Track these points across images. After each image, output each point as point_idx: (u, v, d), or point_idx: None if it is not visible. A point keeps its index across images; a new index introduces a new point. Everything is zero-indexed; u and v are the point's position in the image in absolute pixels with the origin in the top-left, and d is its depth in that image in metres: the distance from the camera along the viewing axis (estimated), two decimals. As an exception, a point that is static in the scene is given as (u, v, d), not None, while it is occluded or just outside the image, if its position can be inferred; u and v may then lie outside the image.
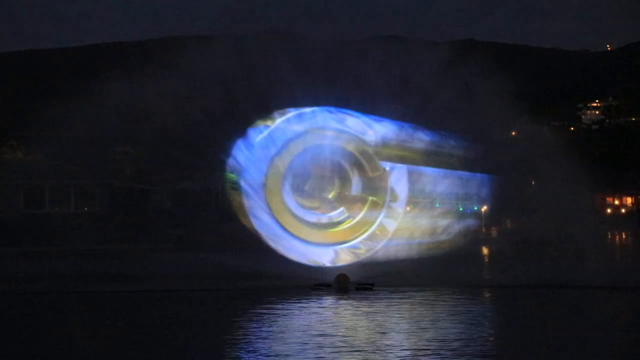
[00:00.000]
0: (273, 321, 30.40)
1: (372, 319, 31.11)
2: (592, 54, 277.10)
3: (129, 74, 52.25)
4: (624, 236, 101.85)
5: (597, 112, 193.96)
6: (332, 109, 43.55)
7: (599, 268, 48.24)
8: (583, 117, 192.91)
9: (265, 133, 42.75)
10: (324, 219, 43.44)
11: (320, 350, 23.94)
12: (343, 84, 46.48)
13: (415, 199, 45.18)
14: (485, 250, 75.42)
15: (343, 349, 24.25)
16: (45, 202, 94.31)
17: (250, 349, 24.59)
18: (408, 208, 45.02)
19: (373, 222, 43.03)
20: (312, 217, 43.21)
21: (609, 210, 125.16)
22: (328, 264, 43.03)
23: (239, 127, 43.77)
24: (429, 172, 45.56)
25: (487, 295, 40.36)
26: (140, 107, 50.64)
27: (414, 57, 48.87)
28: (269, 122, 43.06)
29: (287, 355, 23.30)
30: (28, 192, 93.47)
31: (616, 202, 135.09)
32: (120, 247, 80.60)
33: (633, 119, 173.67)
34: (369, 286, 41.32)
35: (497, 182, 49.82)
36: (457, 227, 47.54)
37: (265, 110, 43.88)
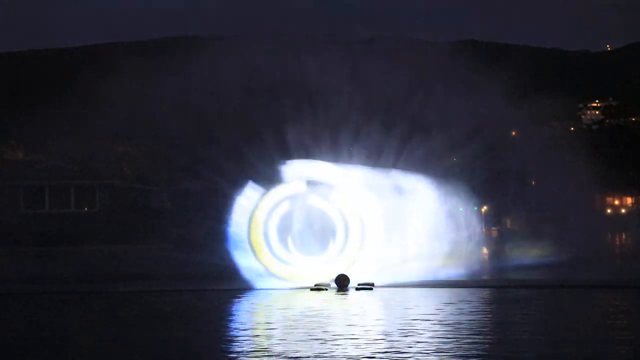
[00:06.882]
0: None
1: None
2: (592, 54, 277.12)
3: (129, 74, 52.21)
4: (624, 236, 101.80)
5: (597, 112, 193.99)
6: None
7: (600, 268, 48.18)
8: (583, 117, 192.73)
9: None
10: None
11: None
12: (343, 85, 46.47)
13: None
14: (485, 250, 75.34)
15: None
16: (45, 202, 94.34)
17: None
18: None
19: None
20: None
21: (609, 210, 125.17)
22: None
23: (239, 127, 43.76)
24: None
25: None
26: (141, 107, 50.65)
27: (414, 57, 48.88)
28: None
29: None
30: (28, 192, 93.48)
31: (616, 202, 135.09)
32: (120, 247, 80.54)
33: (633, 119, 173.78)
34: (369, 286, 41.24)
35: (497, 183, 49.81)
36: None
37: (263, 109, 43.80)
